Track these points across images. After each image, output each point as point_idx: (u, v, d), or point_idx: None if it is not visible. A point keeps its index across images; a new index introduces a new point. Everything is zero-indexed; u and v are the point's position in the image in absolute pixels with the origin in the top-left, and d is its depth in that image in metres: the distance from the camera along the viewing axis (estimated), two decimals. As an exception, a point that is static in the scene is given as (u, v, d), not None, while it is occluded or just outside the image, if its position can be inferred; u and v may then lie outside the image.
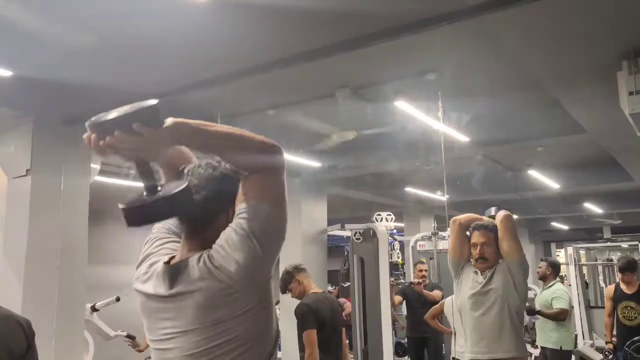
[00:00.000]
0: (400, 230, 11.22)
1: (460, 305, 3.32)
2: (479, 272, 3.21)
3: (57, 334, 4.29)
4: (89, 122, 1.24)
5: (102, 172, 5.17)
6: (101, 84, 3.91)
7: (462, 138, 5.57)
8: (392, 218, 7.34)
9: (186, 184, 1.33)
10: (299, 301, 3.92)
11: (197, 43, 3.54)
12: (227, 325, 1.32)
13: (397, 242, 8.07)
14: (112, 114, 1.22)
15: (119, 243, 7.75)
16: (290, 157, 6.12)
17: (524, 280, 3.17)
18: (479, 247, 3.20)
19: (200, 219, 1.43)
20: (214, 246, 1.35)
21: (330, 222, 8.06)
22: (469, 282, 3.24)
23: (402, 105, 4.65)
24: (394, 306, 6.86)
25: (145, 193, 1.29)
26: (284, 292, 4.09)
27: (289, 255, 7.08)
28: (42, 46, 3.44)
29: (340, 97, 4.51)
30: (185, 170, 1.46)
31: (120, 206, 1.26)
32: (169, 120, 1.26)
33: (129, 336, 5.54)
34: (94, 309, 5.42)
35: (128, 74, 3.97)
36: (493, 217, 3.33)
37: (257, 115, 4.90)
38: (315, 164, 6.65)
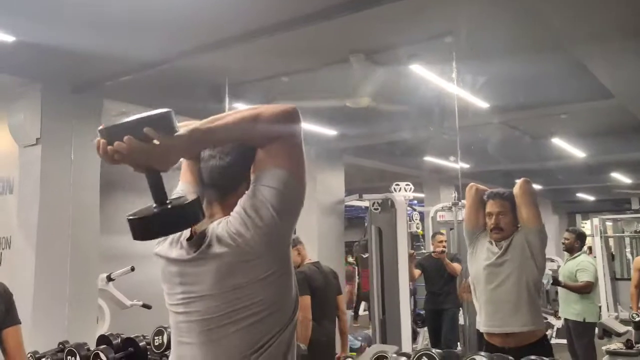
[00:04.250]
0: (420, 201, 11.12)
1: (474, 276, 3.21)
2: (494, 242, 3.08)
3: (71, 302, 4.33)
4: (99, 128, 1.22)
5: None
6: (107, 50, 3.84)
7: (481, 104, 5.38)
8: (410, 188, 7.24)
9: (196, 196, 1.31)
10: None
11: (201, 5, 3.43)
12: (247, 290, 1.32)
13: (416, 213, 7.99)
14: (123, 119, 1.20)
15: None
16: (304, 126, 6.00)
17: (541, 251, 3.02)
18: (494, 217, 3.06)
19: (224, 185, 1.44)
20: (232, 213, 1.35)
21: (349, 192, 7.99)
22: (484, 252, 3.12)
23: (419, 70, 4.49)
24: (413, 279, 6.82)
25: (154, 206, 1.25)
26: None
27: (304, 225, 7.05)
28: (47, 11, 3.36)
29: (354, 63, 4.37)
30: None
31: (127, 216, 1.23)
32: (184, 129, 1.25)
33: (144, 305, 5.58)
34: (109, 278, 5.46)
35: (133, 40, 3.87)
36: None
37: (267, 82, 4.78)
38: (330, 132, 6.52)
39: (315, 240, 6.89)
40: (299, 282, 3.85)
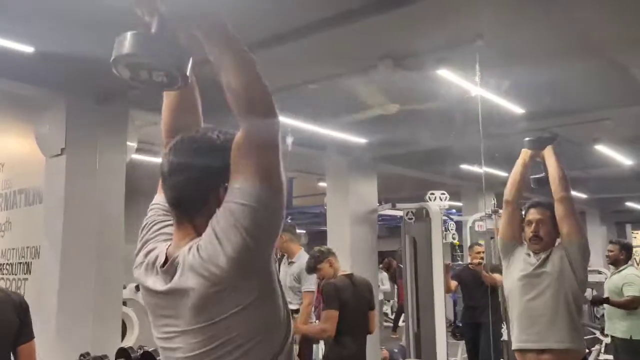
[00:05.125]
0: (459, 210, 10.84)
1: (508, 288, 3.02)
2: (532, 254, 2.90)
3: (95, 312, 4.30)
4: None
5: (139, 150, 5.14)
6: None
7: (517, 110, 5.14)
8: (446, 197, 7.05)
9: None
10: None
11: (227, 8, 3.34)
12: (225, 324, 1.18)
13: (451, 222, 7.77)
14: None
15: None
16: (334, 134, 5.89)
17: (583, 265, 2.83)
18: (533, 225, 2.89)
19: (187, 205, 1.26)
20: (203, 235, 1.20)
21: (384, 202, 7.81)
22: (520, 263, 2.94)
23: (448, 75, 4.31)
24: (450, 291, 6.60)
25: None
26: (311, 272, 4.13)
27: (336, 236, 6.95)
28: (65, 21, 3.34)
29: (382, 68, 4.23)
30: (166, 150, 1.30)
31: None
32: None
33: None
34: (137, 288, 5.42)
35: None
36: (535, 144, 3.04)
37: (293, 89, 4.67)
38: (361, 140, 6.37)
39: (348, 251, 6.74)
40: (328, 294, 3.82)
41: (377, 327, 4.49)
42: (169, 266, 1.23)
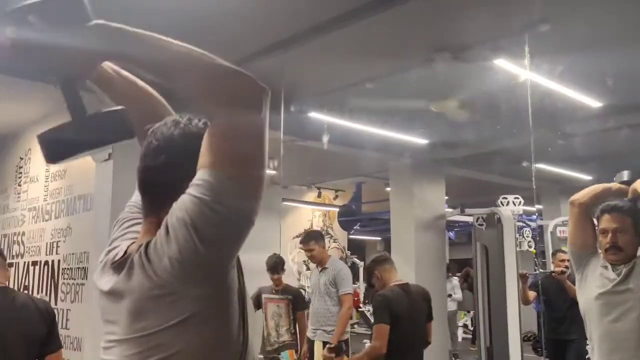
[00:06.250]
0: (533, 214, 10.19)
1: (584, 308, 2.61)
2: (609, 266, 2.49)
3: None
4: None
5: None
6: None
7: (593, 103, 4.63)
8: (520, 201, 6.54)
9: (124, 109, 1.06)
10: None
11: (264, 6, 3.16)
12: (161, 338, 1.00)
13: (527, 229, 7.23)
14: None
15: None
16: (394, 135, 5.60)
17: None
18: (610, 234, 2.47)
19: (156, 193, 1.12)
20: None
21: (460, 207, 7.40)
22: (596, 278, 2.53)
23: (512, 68, 3.91)
24: (527, 302, 6.10)
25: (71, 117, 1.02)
26: (372, 287, 3.99)
27: (401, 243, 6.63)
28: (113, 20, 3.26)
29: (439, 62, 3.90)
30: (150, 131, 1.16)
31: (37, 135, 1.00)
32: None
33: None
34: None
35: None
36: (628, 183, 2.54)
37: (346, 90, 4.42)
38: (422, 141, 6.03)
39: (413, 259, 6.41)
40: (378, 307, 3.54)
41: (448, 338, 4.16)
42: (119, 264, 1.09)
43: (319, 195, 9.60)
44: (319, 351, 4.86)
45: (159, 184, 1.10)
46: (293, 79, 4.27)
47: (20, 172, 6.08)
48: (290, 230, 8.61)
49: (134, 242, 1.15)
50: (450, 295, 9.85)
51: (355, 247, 12.53)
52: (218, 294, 1.03)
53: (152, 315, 1.00)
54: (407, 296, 3.65)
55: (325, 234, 9.87)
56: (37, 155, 5.63)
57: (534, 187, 3.54)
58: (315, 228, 9.00)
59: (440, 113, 4.46)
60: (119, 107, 1.05)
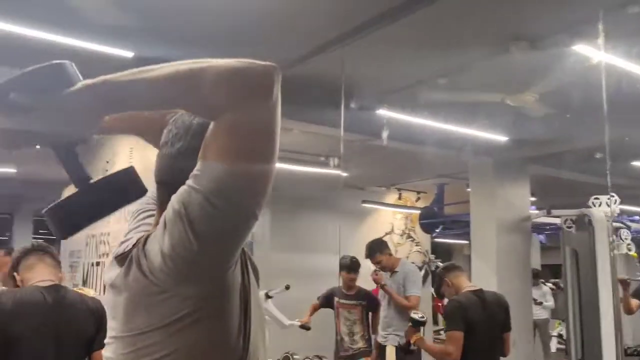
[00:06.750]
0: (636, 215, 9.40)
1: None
2: None
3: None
4: None
5: (279, 159, 5.11)
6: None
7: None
8: (616, 200, 6.01)
9: (131, 167, 1.00)
10: None
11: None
12: (154, 337, 0.98)
13: (626, 230, 6.66)
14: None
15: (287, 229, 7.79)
16: (473, 132, 5.32)
17: None
18: None
19: (171, 182, 1.06)
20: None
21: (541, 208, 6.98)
22: None
23: (600, 55, 3.57)
24: (630, 312, 5.62)
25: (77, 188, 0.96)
26: (441, 297, 4.01)
27: (482, 246, 6.32)
28: (163, 27, 3.37)
29: (516, 52, 3.64)
30: (172, 119, 1.14)
31: (44, 212, 0.94)
32: (81, 83, 0.90)
33: (302, 326, 5.38)
34: (267, 296, 5.35)
35: (248, 52, 3.70)
36: None
37: (417, 87, 4.24)
38: (502, 138, 5.69)
39: (494, 263, 6.08)
40: (451, 312, 3.41)
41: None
42: (122, 257, 1.05)
43: (400, 197, 9.39)
44: (391, 356, 4.73)
45: (175, 171, 1.05)
46: (358, 76, 4.17)
47: (107, 175, 6.36)
48: (371, 233, 8.48)
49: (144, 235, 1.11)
50: (541, 303, 9.33)
51: (442, 252, 12.17)
52: (215, 293, 0.99)
53: (146, 314, 0.98)
54: (482, 303, 3.49)
55: (407, 237, 9.66)
56: (121, 159, 5.87)
57: (609, 184, 3.19)
58: (378, 236, 8.77)
59: (517, 107, 4.16)
60: (124, 168, 0.99)
